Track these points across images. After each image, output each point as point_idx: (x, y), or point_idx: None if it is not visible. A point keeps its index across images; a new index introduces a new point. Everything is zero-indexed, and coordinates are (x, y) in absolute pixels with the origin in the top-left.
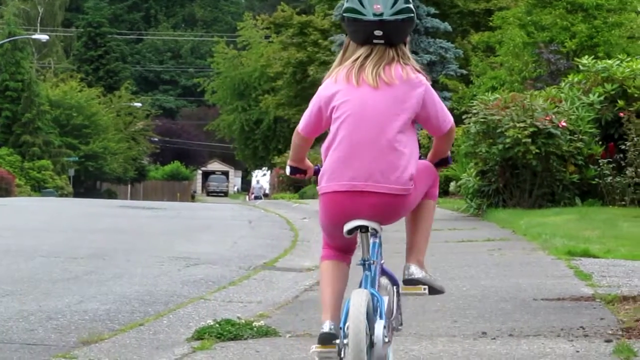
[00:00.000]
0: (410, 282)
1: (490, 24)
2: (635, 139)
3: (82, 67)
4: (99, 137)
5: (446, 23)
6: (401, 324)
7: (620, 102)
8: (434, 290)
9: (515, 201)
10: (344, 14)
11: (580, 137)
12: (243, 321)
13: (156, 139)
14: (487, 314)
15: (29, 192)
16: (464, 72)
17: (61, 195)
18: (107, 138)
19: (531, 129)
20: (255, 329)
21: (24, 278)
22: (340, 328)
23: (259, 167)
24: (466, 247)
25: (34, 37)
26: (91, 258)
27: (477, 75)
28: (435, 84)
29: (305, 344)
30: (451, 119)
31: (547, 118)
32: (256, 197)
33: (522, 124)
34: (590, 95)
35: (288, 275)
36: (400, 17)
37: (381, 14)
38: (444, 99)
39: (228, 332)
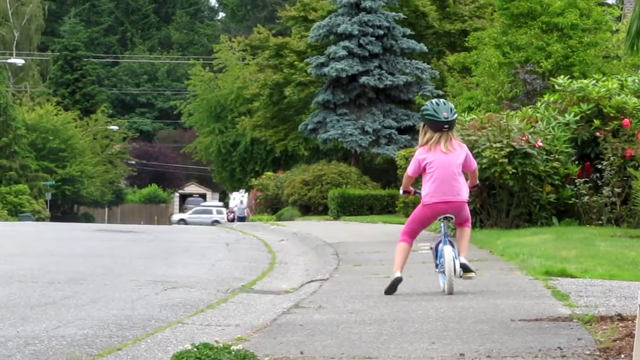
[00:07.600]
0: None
1: (466, 44)
2: (612, 158)
3: (58, 90)
4: (75, 160)
5: (422, 44)
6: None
7: (596, 122)
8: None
9: (493, 221)
10: (426, 117)
11: (557, 156)
12: (221, 345)
13: (133, 162)
14: (465, 336)
15: (6, 217)
16: (440, 92)
17: (38, 220)
18: (83, 161)
19: (508, 149)
20: (233, 352)
21: (0, 304)
22: (437, 264)
23: (237, 189)
24: None
25: (9, 61)
26: (69, 282)
27: (454, 95)
28: (411, 105)
29: None
30: (475, 164)
31: (524, 138)
32: (240, 218)
33: (498, 144)
34: (566, 115)
35: (266, 298)
36: (455, 117)
37: (447, 117)
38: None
39: (206, 356)
